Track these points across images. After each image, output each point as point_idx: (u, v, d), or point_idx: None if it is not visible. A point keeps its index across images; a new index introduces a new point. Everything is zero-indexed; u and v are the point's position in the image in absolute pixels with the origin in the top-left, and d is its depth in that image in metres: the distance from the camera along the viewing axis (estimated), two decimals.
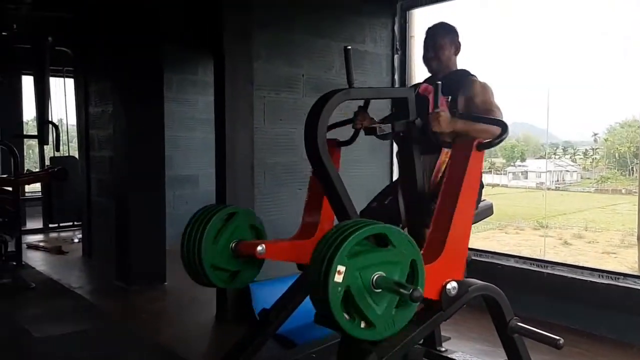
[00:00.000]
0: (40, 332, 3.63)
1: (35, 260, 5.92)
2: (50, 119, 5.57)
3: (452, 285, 2.45)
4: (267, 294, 3.80)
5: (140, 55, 4.75)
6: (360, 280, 1.89)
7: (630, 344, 3.45)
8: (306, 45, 4.26)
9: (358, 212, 2.72)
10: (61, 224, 7.68)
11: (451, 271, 2.46)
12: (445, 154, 2.95)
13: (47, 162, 7.59)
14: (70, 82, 8.00)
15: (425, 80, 3.11)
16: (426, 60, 3.02)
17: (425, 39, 3.05)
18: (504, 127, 2.40)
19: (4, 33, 5.07)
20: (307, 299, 3.12)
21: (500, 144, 2.53)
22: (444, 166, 2.95)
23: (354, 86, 2.69)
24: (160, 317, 4.12)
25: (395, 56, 4.79)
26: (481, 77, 3.00)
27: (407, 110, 2.86)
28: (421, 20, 4.84)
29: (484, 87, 2.85)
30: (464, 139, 2.48)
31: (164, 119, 4.98)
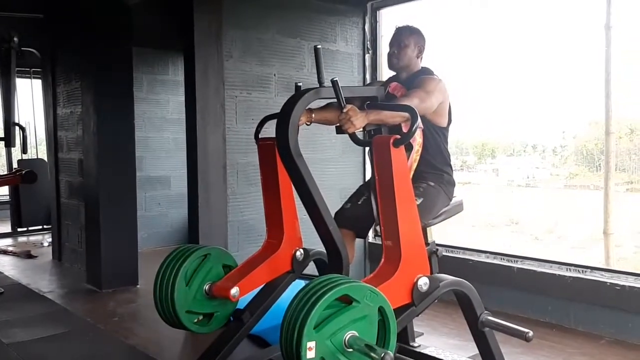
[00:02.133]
0: (11, 338, 3.56)
1: (4, 264, 5.80)
2: (17, 121, 5.45)
3: (423, 281, 2.48)
4: None
5: (110, 55, 4.69)
6: (332, 346, 1.92)
7: (599, 335, 3.54)
8: (278, 44, 4.26)
9: (332, 213, 2.74)
10: (30, 228, 7.56)
11: (416, 268, 2.48)
12: (416, 152, 2.99)
13: (15, 165, 7.46)
14: (37, 84, 7.87)
15: (390, 79, 3.15)
16: (388, 56, 3.05)
17: (393, 35, 3.07)
18: (412, 113, 2.32)
19: None
20: (280, 299, 3.15)
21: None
22: (415, 164, 2.99)
23: (324, 85, 2.70)
24: (133, 320, 4.07)
25: (367, 55, 4.82)
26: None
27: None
28: (391, 19, 4.88)
29: (431, 82, 2.79)
30: (378, 139, 2.43)
31: (134, 120, 4.92)
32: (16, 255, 6.20)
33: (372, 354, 1.88)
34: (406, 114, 2.42)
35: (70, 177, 5.50)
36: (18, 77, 6.94)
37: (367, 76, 4.81)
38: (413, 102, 2.58)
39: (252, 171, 4.17)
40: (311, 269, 3.19)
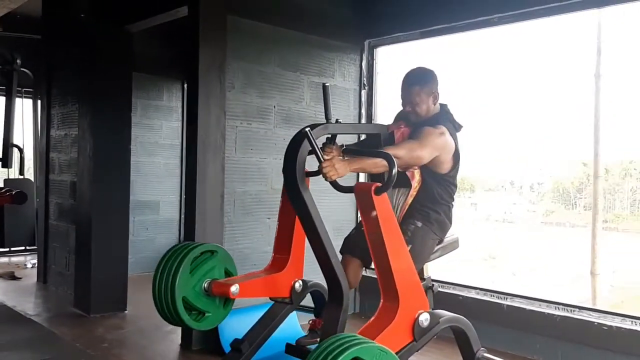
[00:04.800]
0: None
1: None
2: (14, 142, 5.43)
3: (424, 317, 2.55)
4: (234, 324, 3.79)
5: (110, 80, 4.73)
6: None
7: None
8: (278, 77, 4.36)
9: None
10: (12, 249, 7.44)
11: (415, 305, 2.55)
12: (414, 189, 3.06)
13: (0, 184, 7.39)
14: (27, 103, 7.83)
15: (401, 114, 3.20)
16: (407, 113, 3.05)
17: (402, 89, 3.01)
18: (389, 160, 2.38)
19: None
20: (278, 330, 3.18)
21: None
22: (411, 199, 3.06)
23: (331, 121, 2.80)
24: (123, 346, 4.03)
25: (363, 91, 4.93)
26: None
27: (380, 145, 3.00)
28: (387, 57, 5.02)
29: (429, 136, 2.79)
30: (360, 189, 2.49)
31: (130, 145, 4.95)
32: None
33: None
34: (386, 163, 2.45)
35: (61, 199, 5.47)
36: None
37: (363, 111, 4.92)
38: (399, 151, 2.62)
39: (249, 200, 4.21)
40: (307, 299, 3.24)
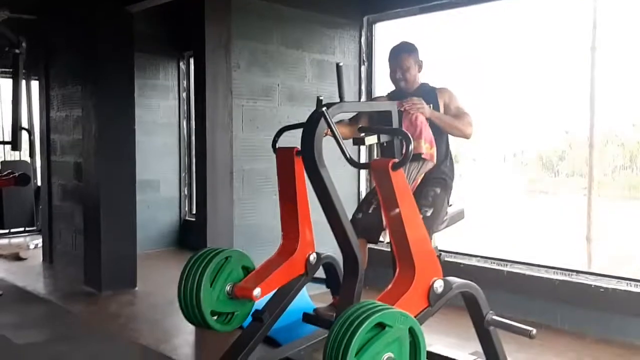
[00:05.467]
0: (22, 339, 3.61)
1: None
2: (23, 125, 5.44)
3: (438, 284, 2.69)
4: None
5: (112, 61, 4.78)
6: None
7: (584, 334, 3.81)
8: (281, 56, 4.43)
9: None
10: (12, 230, 7.48)
11: (430, 273, 2.69)
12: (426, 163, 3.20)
13: None
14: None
15: (390, 95, 3.34)
16: (394, 81, 3.25)
17: (390, 59, 3.27)
18: (406, 138, 2.50)
19: None
20: (295, 300, 3.31)
21: None
22: (421, 177, 3.20)
23: (345, 100, 2.90)
24: (138, 321, 4.16)
25: (362, 67, 5.02)
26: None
27: (390, 121, 3.11)
28: (386, 33, 5.09)
29: (454, 96, 3.23)
30: (377, 165, 2.56)
31: (134, 125, 5.02)
32: (4, 258, 6.16)
33: None
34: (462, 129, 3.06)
35: (64, 180, 5.52)
36: (3, 77, 6.93)
37: (363, 87, 5.01)
38: (469, 118, 3.13)
39: (257, 178, 4.32)
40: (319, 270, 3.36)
